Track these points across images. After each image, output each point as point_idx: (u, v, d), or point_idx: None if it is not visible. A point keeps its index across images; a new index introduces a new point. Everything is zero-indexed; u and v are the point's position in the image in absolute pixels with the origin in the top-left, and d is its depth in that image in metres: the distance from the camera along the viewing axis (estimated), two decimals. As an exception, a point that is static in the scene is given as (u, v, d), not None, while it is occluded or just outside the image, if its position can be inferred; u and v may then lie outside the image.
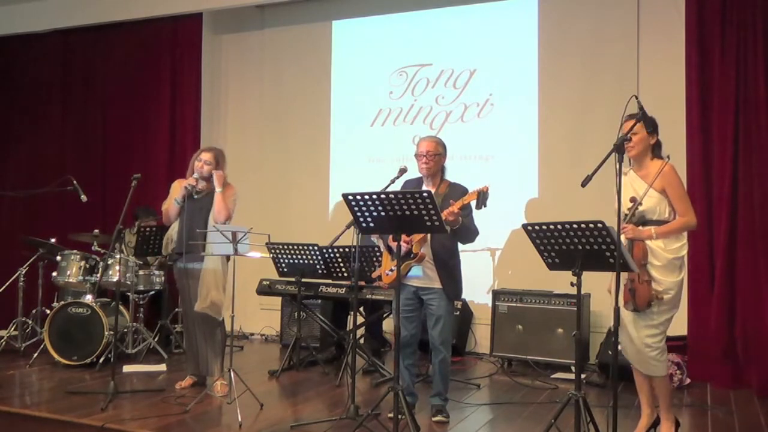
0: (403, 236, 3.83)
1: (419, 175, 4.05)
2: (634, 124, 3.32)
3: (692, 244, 3.50)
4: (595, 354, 5.33)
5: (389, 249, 4.00)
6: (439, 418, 3.98)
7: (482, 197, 3.71)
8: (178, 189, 4.58)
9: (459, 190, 3.97)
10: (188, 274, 4.57)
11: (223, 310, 4.46)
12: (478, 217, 3.90)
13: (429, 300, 3.94)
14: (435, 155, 3.97)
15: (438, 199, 3.86)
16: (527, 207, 6.00)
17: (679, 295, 3.44)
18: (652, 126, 3.48)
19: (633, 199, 3.40)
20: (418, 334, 4.04)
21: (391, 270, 3.93)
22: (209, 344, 4.56)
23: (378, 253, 4.94)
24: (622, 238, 3.36)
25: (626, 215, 3.40)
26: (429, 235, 3.84)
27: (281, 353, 6.10)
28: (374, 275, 4.38)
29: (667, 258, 3.37)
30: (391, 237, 3.87)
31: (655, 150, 3.51)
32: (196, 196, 4.55)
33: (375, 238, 5.20)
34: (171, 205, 4.56)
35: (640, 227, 3.39)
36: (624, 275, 3.36)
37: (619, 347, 3.91)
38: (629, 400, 4.25)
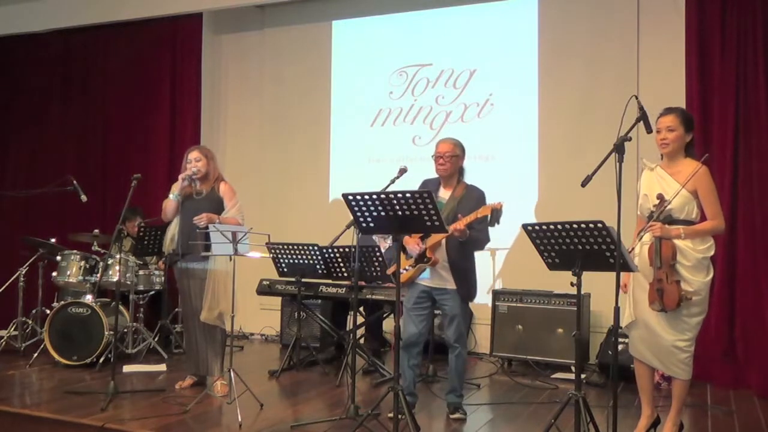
0: (418, 241, 3.83)
1: (437, 175, 4.05)
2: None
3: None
4: (595, 354, 5.33)
5: (403, 248, 3.99)
6: (457, 415, 4.00)
7: (495, 215, 3.72)
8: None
9: (475, 194, 3.97)
10: (189, 273, 4.57)
11: (227, 318, 4.46)
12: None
13: (442, 300, 3.94)
14: (452, 157, 3.96)
15: (453, 203, 3.87)
16: (527, 207, 5.99)
17: (708, 297, 3.42)
18: (689, 124, 3.46)
19: (660, 197, 3.35)
20: (426, 335, 4.05)
21: (405, 269, 3.92)
22: (209, 344, 4.56)
23: (378, 253, 4.94)
24: (649, 236, 3.36)
25: (652, 213, 3.36)
26: (444, 241, 3.84)
27: (281, 353, 6.09)
28: (389, 272, 4.40)
29: (696, 258, 3.34)
30: (410, 237, 3.86)
31: (689, 149, 3.49)
32: (196, 197, 4.54)
33: (377, 238, 5.22)
34: (168, 200, 4.55)
35: (667, 226, 3.36)
36: (649, 275, 3.34)
37: (620, 347, 3.92)
38: (629, 400, 4.25)
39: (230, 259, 4.35)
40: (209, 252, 4.33)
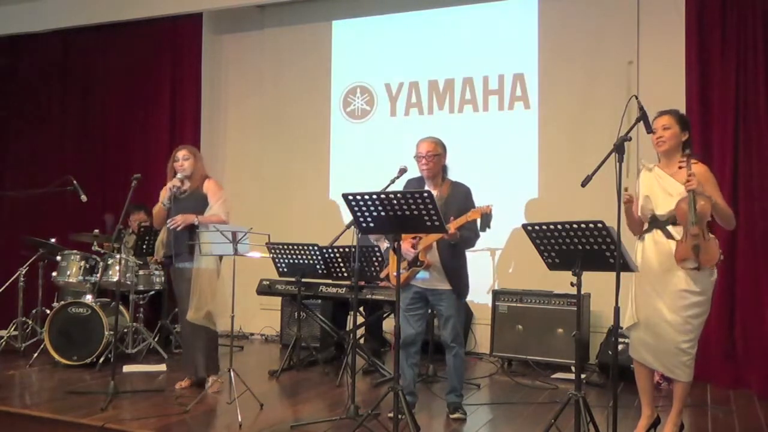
0: (410, 245, 3.83)
1: (420, 174, 4.05)
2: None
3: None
4: (595, 354, 5.34)
5: (395, 251, 3.99)
6: (457, 415, 4.00)
7: (485, 219, 3.70)
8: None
9: (462, 190, 3.98)
10: (180, 274, 4.57)
11: (218, 318, 4.46)
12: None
13: (437, 301, 3.95)
14: (434, 156, 3.95)
15: (441, 202, 3.86)
16: (527, 207, 6.00)
17: (711, 298, 3.40)
18: (684, 123, 3.47)
19: (688, 156, 3.29)
20: (423, 334, 4.06)
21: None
22: (198, 344, 4.55)
23: (377, 253, 4.94)
24: (651, 237, 3.36)
25: (681, 165, 3.30)
26: (435, 243, 3.84)
27: (281, 353, 6.09)
28: (382, 275, 4.39)
29: None
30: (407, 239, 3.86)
31: (686, 148, 3.47)
32: (180, 196, 4.55)
33: (374, 239, 5.21)
34: (159, 208, 4.58)
35: (670, 227, 3.35)
36: (652, 276, 3.32)
37: (620, 347, 3.91)
38: (629, 400, 4.25)
39: (219, 259, 4.41)
40: (205, 252, 4.33)
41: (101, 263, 5.57)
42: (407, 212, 3.29)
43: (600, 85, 5.81)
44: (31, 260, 5.96)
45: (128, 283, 5.65)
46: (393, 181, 4.08)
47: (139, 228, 5.93)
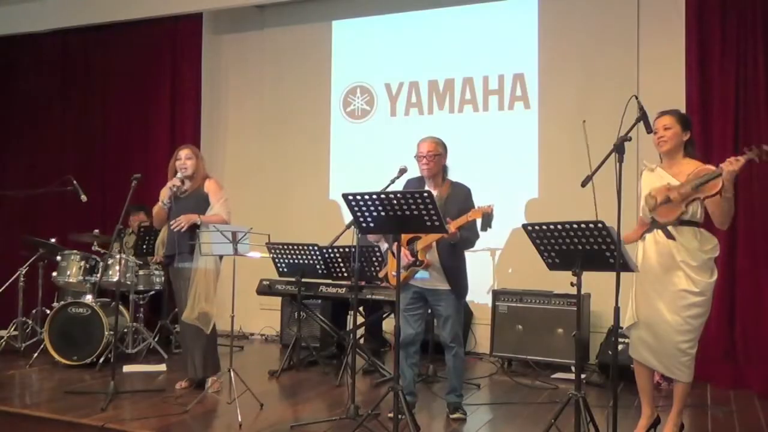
0: (406, 253, 3.83)
1: (420, 174, 4.05)
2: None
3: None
4: (595, 354, 5.33)
5: (394, 254, 3.99)
6: (457, 415, 4.00)
7: (486, 219, 3.70)
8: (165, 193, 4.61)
9: (462, 191, 3.97)
10: (179, 274, 4.56)
11: (213, 319, 4.46)
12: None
13: (436, 301, 3.95)
14: (435, 156, 3.95)
15: (440, 202, 3.85)
16: (527, 207, 6.00)
17: (711, 299, 3.39)
18: (685, 123, 3.46)
19: (760, 146, 3.28)
20: (422, 334, 4.06)
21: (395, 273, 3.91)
22: (196, 345, 4.54)
23: (377, 253, 4.94)
24: (652, 236, 3.37)
25: (751, 153, 3.28)
26: (434, 243, 3.84)
27: (281, 353, 6.09)
28: (381, 275, 4.40)
29: (702, 258, 3.33)
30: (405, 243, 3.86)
31: (688, 148, 3.48)
32: (181, 196, 4.55)
33: (374, 240, 5.21)
34: (159, 207, 4.57)
35: (671, 227, 3.34)
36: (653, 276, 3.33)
37: (620, 347, 3.91)
38: (629, 400, 4.25)
39: (220, 259, 4.40)
40: (205, 252, 4.32)
41: (101, 263, 5.57)
42: (407, 212, 3.29)
43: (600, 85, 5.81)
44: (31, 260, 5.96)
45: (128, 283, 5.65)
46: (393, 181, 4.07)
47: (139, 228, 5.93)
